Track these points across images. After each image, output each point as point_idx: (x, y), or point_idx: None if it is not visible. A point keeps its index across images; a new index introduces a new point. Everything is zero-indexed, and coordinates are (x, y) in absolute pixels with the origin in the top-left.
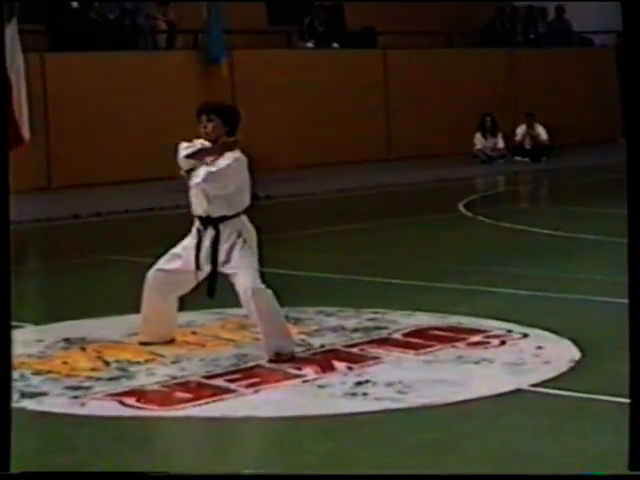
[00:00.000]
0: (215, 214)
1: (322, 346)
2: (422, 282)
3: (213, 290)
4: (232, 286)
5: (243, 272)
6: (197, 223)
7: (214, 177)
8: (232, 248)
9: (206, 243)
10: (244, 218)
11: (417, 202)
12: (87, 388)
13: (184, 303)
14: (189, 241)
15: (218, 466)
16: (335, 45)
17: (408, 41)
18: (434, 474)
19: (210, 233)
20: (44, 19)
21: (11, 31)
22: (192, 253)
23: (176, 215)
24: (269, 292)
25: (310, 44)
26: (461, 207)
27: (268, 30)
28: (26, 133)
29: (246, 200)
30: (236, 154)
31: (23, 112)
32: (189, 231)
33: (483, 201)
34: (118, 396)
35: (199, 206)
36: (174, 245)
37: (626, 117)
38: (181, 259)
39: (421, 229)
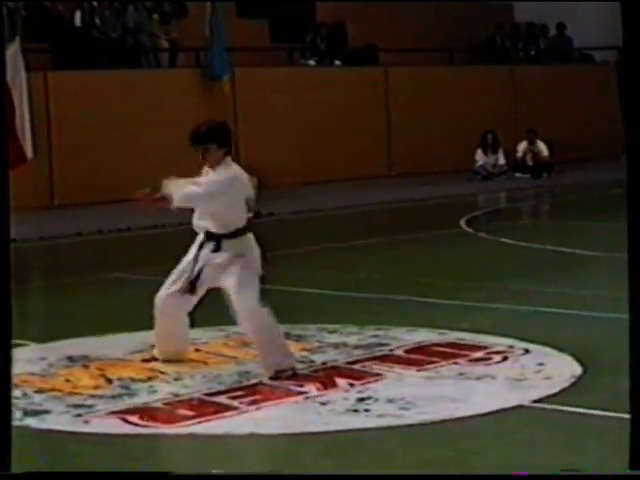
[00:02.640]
0: (213, 230)
1: (324, 363)
2: (424, 298)
3: (194, 287)
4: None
5: (242, 291)
6: (202, 236)
7: (191, 198)
8: (231, 265)
9: (204, 254)
10: (248, 236)
11: (419, 218)
12: (90, 406)
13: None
14: (191, 254)
15: None
16: (337, 62)
17: (410, 58)
18: (434, 474)
19: (210, 246)
20: (47, 38)
21: (14, 50)
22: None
23: (178, 232)
24: (266, 310)
25: (312, 62)
26: (462, 223)
27: (270, 47)
28: (29, 152)
29: (238, 218)
30: (227, 172)
31: (26, 130)
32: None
33: (484, 217)
34: (121, 414)
35: (198, 221)
36: (177, 262)
37: (626, 130)
38: (185, 274)
39: (422, 246)
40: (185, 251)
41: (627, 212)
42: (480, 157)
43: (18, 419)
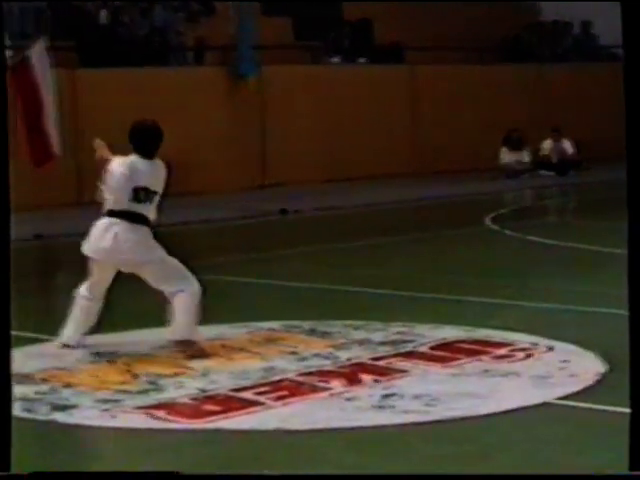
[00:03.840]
0: None
1: (349, 359)
2: (449, 295)
3: None
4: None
5: None
6: None
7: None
8: None
9: None
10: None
11: (444, 216)
12: (117, 401)
13: (213, 316)
14: None
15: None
16: (362, 60)
17: (435, 56)
18: (434, 474)
19: None
20: (74, 36)
21: (41, 48)
22: None
23: (203, 230)
24: None
25: (336, 59)
26: (488, 221)
27: (295, 45)
28: (57, 149)
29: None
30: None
31: (53, 128)
32: (213, 244)
33: (510, 215)
34: (148, 409)
35: None
36: (195, 259)
37: (627, 126)
38: None
39: (448, 243)
40: (203, 247)
41: (628, 212)
42: (505, 155)
43: (45, 414)
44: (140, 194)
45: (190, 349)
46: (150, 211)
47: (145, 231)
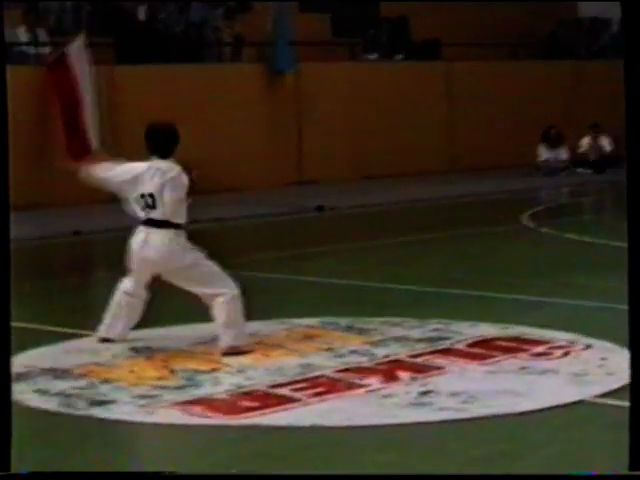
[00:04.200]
0: None
1: (386, 356)
2: (486, 293)
3: None
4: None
5: None
6: None
7: None
8: None
9: None
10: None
11: (480, 214)
12: (154, 397)
13: (249, 313)
14: None
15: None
16: (399, 57)
17: (473, 53)
18: (436, 474)
19: None
20: (112, 32)
21: (79, 44)
22: None
23: (239, 226)
24: None
25: (373, 56)
26: (525, 219)
27: (332, 42)
28: (94, 144)
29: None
30: None
31: (91, 125)
32: (250, 241)
33: (547, 213)
34: (185, 405)
35: None
36: (231, 256)
37: (627, 123)
38: None
39: (484, 241)
40: (250, 244)
41: (627, 211)
42: (543, 152)
43: (83, 409)
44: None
45: (234, 352)
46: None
47: (171, 235)
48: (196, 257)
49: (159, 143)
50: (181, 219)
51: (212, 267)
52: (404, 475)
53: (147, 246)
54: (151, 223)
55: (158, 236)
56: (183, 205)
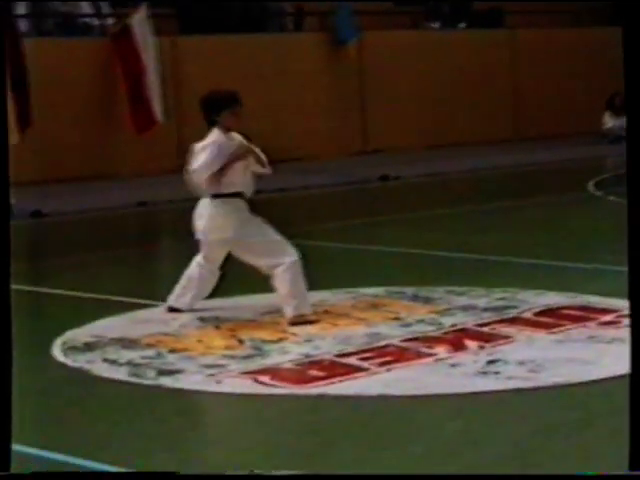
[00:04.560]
0: None
1: (453, 325)
2: (552, 261)
3: None
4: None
5: None
6: None
7: None
8: None
9: None
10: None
11: (546, 182)
12: (222, 366)
13: (315, 282)
14: None
15: (352, 444)
16: (462, 25)
17: (535, 20)
18: (438, 474)
19: None
20: (174, 3)
21: (142, 16)
22: None
23: (304, 196)
24: None
25: (436, 25)
26: (590, 187)
27: (394, 11)
28: (158, 115)
29: None
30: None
31: (155, 95)
32: (314, 211)
33: (613, 180)
34: (253, 374)
35: None
36: (296, 225)
37: (628, 114)
38: None
39: (550, 209)
40: (318, 213)
41: (627, 209)
42: (608, 119)
43: (152, 378)
44: None
45: (301, 322)
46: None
47: (224, 206)
48: (253, 227)
49: (202, 112)
50: (238, 188)
51: (270, 236)
52: (405, 475)
53: (201, 218)
54: (207, 195)
55: (206, 208)
56: (235, 174)
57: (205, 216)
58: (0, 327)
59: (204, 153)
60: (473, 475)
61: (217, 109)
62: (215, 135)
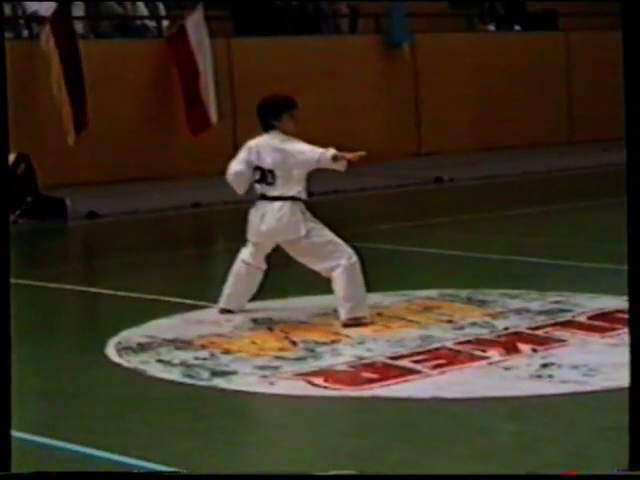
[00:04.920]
0: None
1: (506, 328)
2: (607, 265)
3: None
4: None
5: None
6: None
7: None
8: None
9: None
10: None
11: (601, 185)
12: (275, 367)
13: (369, 284)
14: None
15: (404, 446)
16: (517, 28)
17: (590, 23)
18: (439, 474)
19: None
20: (229, 5)
21: (197, 17)
22: None
23: (358, 198)
24: None
25: (491, 27)
26: None
27: (449, 13)
28: (213, 117)
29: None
30: None
31: (210, 96)
32: (368, 212)
33: None
34: (306, 376)
35: None
36: (350, 227)
37: (627, 115)
38: None
39: (605, 212)
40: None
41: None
42: None
43: (206, 379)
44: (256, 174)
45: (354, 324)
46: (276, 190)
47: (287, 209)
48: (311, 230)
49: (260, 117)
50: (298, 192)
51: (327, 237)
52: (405, 475)
53: (264, 221)
54: (267, 197)
55: (274, 210)
56: (301, 178)
57: (273, 217)
58: (0, 325)
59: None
60: (473, 475)
61: (276, 113)
62: (280, 136)
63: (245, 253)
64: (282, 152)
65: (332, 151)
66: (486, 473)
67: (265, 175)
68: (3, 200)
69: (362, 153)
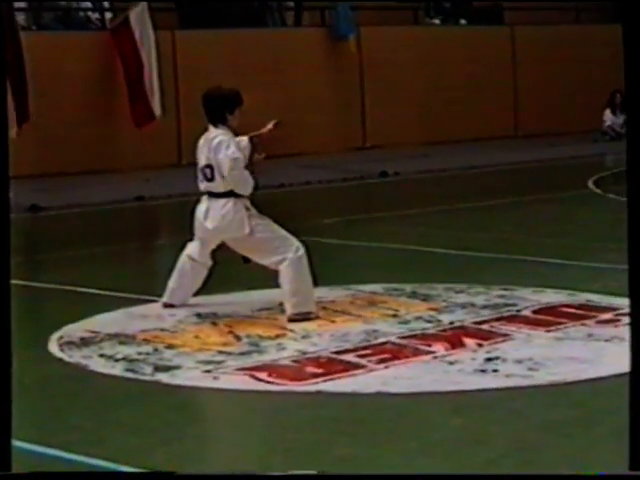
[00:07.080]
0: None
1: (451, 323)
2: (551, 259)
3: None
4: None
5: None
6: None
7: None
8: None
9: None
10: None
11: (546, 179)
12: (219, 362)
13: (313, 278)
14: None
15: (350, 441)
16: (462, 22)
17: (535, 17)
18: (440, 474)
19: None
20: None
21: (141, 9)
22: None
23: (303, 191)
24: None
25: (437, 20)
26: (590, 184)
27: (395, 6)
28: (157, 110)
29: None
30: None
31: (154, 90)
32: (313, 206)
33: (613, 178)
34: (250, 370)
35: None
36: (295, 221)
37: (628, 113)
38: None
39: (550, 206)
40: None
41: (627, 208)
42: (608, 117)
43: (149, 374)
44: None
45: (299, 319)
46: (221, 186)
47: (230, 205)
48: (255, 226)
49: (208, 110)
50: (242, 189)
51: (273, 232)
52: (405, 475)
53: (208, 217)
54: (211, 194)
55: (218, 207)
56: (243, 173)
57: (217, 215)
58: (0, 324)
59: (229, 148)
60: (473, 475)
61: (232, 107)
62: (225, 132)
63: (190, 248)
64: (215, 153)
65: (245, 138)
66: (433, 468)
67: (204, 171)
68: (3, 200)
69: (273, 121)
